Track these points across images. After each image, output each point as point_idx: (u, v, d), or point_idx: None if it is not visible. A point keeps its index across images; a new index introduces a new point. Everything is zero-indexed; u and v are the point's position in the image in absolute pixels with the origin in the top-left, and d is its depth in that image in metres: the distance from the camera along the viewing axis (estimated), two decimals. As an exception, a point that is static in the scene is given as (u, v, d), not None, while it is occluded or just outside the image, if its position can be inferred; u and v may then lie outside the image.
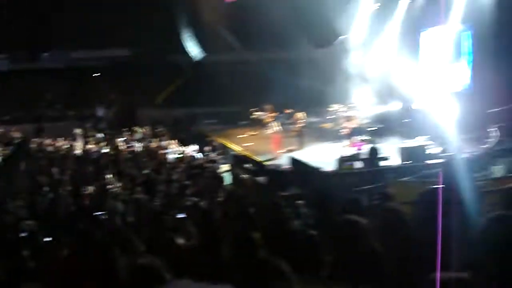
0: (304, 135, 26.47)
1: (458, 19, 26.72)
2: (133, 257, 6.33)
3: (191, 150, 28.60)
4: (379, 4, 30.35)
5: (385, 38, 30.28)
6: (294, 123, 27.68)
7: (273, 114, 32.02)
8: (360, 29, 30.25)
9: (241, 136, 31.52)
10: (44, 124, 37.69)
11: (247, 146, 28.05)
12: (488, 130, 23.54)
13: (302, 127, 26.51)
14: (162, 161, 24.61)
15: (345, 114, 28.38)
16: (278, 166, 22.44)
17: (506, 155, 20.01)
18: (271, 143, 25.32)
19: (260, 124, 32.53)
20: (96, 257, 5.35)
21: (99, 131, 34.25)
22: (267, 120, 31.67)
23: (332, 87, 30.71)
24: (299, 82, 31.21)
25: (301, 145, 25.62)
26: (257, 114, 32.66)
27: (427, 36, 28.75)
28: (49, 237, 9.65)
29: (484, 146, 22.27)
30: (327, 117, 30.03)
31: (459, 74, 26.85)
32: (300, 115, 26.97)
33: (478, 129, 24.82)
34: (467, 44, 26.38)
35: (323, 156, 24.37)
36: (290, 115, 29.64)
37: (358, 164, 21.23)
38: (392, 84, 28.60)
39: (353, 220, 4.62)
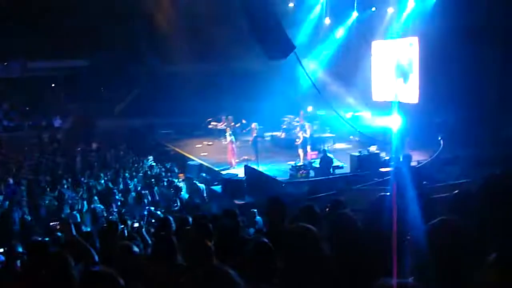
0: (258, 145, 26.49)
1: (406, 32, 27.21)
2: (88, 266, 6.23)
3: (148, 159, 28.40)
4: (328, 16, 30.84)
5: (334, 48, 30.72)
6: (249, 132, 27.75)
7: (228, 124, 32.17)
8: (310, 39, 30.78)
9: (197, 146, 31.41)
10: (0, 134, 37.09)
11: (203, 155, 27.96)
12: (436, 139, 24.03)
13: (257, 136, 26.56)
14: (119, 171, 24.35)
15: (298, 124, 28.56)
16: (233, 175, 22.43)
17: (450, 163, 20.42)
18: (226, 152, 25.30)
19: (215, 134, 32.57)
20: (51, 268, 5.26)
21: (56, 141, 33.77)
22: (223, 130, 31.80)
23: (286, 97, 30.89)
24: (254, 93, 31.27)
25: (256, 155, 25.66)
26: (213, 124, 32.67)
27: (377, 46, 29.13)
28: (3, 247, 9.45)
29: (431, 155, 22.62)
30: (282, 127, 30.16)
31: (408, 85, 27.24)
32: (254, 124, 27.05)
33: (425, 139, 25.31)
34: (414, 55, 26.79)
35: (277, 165, 24.55)
36: (246, 125, 29.73)
37: (312, 173, 21.38)
38: (343, 93, 28.91)
39: (304, 227, 4.60)
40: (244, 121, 29.00)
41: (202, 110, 35.21)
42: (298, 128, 25.94)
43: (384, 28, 28.59)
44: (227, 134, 26.37)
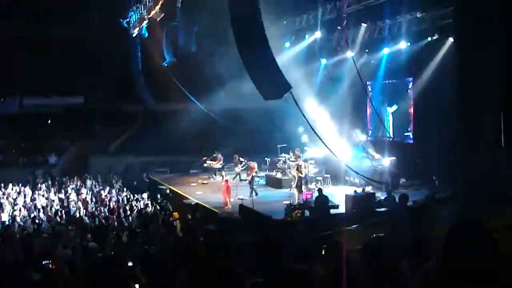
0: (254, 183, 26.63)
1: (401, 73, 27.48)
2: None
3: (144, 197, 28.34)
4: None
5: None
6: (247, 171, 27.97)
7: (221, 163, 32.26)
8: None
9: (192, 184, 31.41)
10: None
11: (198, 194, 27.93)
12: (429, 178, 24.09)
13: (254, 176, 26.77)
14: (113, 208, 24.27)
15: (294, 163, 28.62)
16: (228, 214, 22.38)
17: (446, 202, 20.41)
18: (222, 191, 25.28)
19: (211, 172, 32.60)
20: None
21: (51, 178, 33.71)
22: (219, 168, 31.85)
23: (281, 135, 31.04)
24: (249, 131, 31.41)
25: (253, 194, 25.80)
26: (209, 162, 32.74)
27: (372, 87, 29.38)
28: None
29: (426, 194, 22.62)
30: (277, 166, 30.22)
31: (402, 125, 27.43)
32: (253, 164, 27.37)
33: (419, 177, 25.36)
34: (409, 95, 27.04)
35: (273, 204, 24.51)
36: (243, 163, 29.91)
37: (307, 212, 21.32)
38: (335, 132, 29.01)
39: (301, 269, 4.58)
40: (241, 159, 29.37)
41: (197, 149, 35.36)
42: (294, 167, 26.01)
43: (378, 70, 28.83)
44: (223, 172, 26.65)
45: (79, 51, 37.42)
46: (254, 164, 27.59)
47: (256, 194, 26.06)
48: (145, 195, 29.03)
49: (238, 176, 29.59)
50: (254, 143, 32.25)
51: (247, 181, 27.19)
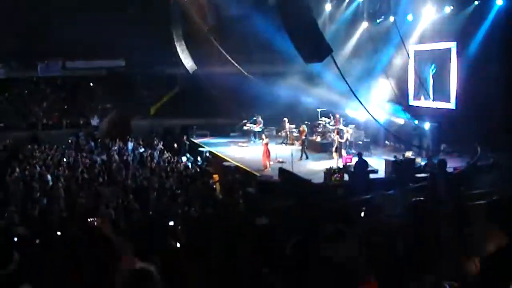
0: (305, 146, 26.96)
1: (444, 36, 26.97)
2: (126, 263, 6.28)
3: (183, 160, 28.60)
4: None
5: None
6: (286, 134, 28.34)
7: (261, 126, 32.35)
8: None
9: (232, 147, 31.60)
10: (39, 132, 37.69)
11: (238, 157, 28.07)
12: (472, 145, 23.76)
13: (305, 139, 27.11)
14: (155, 170, 24.57)
15: (334, 127, 28.54)
16: (268, 177, 22.47)
17: (487, 169, 20.14)
18: (262, 154, 25.38)
19: (251, 135, 32.71)
20: (88, 263, 5.32)
21: (93, 140, 34.21)
22: (259, 132, 31.95)
23: (320, 100, 30.84)
24: (288, 95, 31.28)
25: (303, 156, 26.34)
26: (249, 125, 32.83)
27: (415, 50, 28.90)
28: (41, 242, 9.57)
29: (468, 161, 22.39)
30: (317, 130, 30.18)
31: (445, 90, 27.00)
32: (303, 127, 27.67)
33: (462, 144, 25.03)
34: (452, 60, 26.53)
35: (312, 168, 24.57)
36: (282, 127, 30.09)
37: (346, 177, 21.28)
38: (376, 95, 28.74)
39: (341, 228, 4.61)
40: (288, 124, 29.71)
41: (238, 112, 35.49)
42: (335, 132, 26.00)
43: (421, 32, 28.31)
44: (263, 135, 26.85)
45: (120, 14, 37.63)
46: (304, 127, 27.87)
47: (307, 157, 26.58)
48: (185, 158, 29.32)
49: (286, 140, 30.05)
50: (294, 107, 32.12)
51: (298, 144, 27.97)
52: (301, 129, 27.93)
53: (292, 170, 22.63)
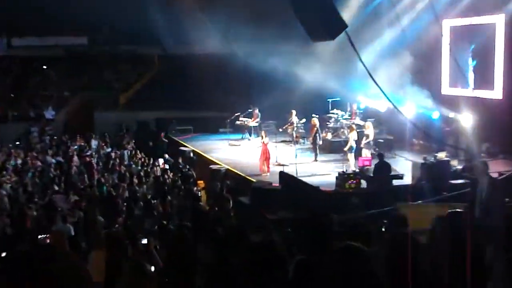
0: (318, 144, 27.06)
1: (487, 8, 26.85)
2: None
3: (161, 162, 28.60)
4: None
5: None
6: (292, 129, 28.56)
7: (258, 120, 32.36)
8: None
9: (221, 146, 31.60)
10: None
11: (229, 158, 28.09)
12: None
13: (318, 134, 27.13)
14: (125, 175, 24.55)
15: (349, 122, 28.55)
16: (266, 183, 22.47)
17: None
18: (259, 155, 25.38)
19: (246, 131, 32.70)
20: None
21: (48, 137, 34.16)
22: (255, 127, 31.96)
23: (333, 87, 30.83)
24: (295, 80, 31.25)
25: (315, 155, 26.67)
26: (243, 120, 32.81)
27: (450, 25, 28.79)
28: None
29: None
30: (327, 125, 30.16)
31: (488, 76, 26.93)
32: (314, 120, 27.55)
33: (510, 143, 25.00)
34: (499, 38, 26.43)
35: (322, 172, 24.67)
36: (289, 121, 30.13)
37: (364, 183, 21.30)
38: (406, 84, 28.64)
39: (355, 247, 4.60)
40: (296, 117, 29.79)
41: (230, 103, 35.48)
42: (350, 127, 26.06)
43: (459, 4, 28.20)
44: (261, 132, 26.93)
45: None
46: (315, 121, 27.66)
47: (316, 158, 27.06)
48: (162, 159, 29.30)
49: (292, 137, 30.10)
50: (300, 96, 32.12)
51: (309, 141, 28.42)
52: (312, 122, 27.73)
53: (296, 174, 22.68)
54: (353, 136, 25.06)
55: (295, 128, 30.41)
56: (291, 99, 31.76)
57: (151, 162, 28.19)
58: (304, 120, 30.68)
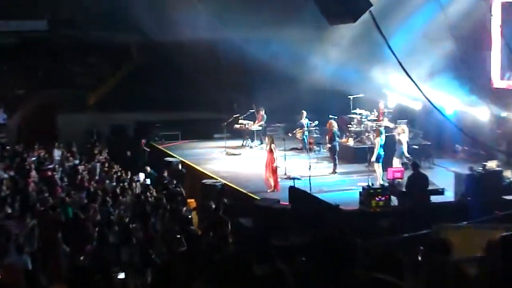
0: (336, 151, 27.06)
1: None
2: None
3: (141, 177, 28.61)
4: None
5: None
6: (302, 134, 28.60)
7: (263, 123, 32.38)
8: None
9: (217, 156, 31.63)
10: None
11: (226, 171, 28.11)
12: None
13: (335, 140, 27.08)
14: (96, 193, 24.54)
15: (375, 124, 28.54)
16: (272, 201, 22.46)
17: None
18: (264, 166, 25.38)
19: (247, 137, 32.72)
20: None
21: (-1, 146, 34.23)
22: (258, 132, 31.97)
23: (355, 81, 30.82)
24: (306, 72, 31.23)
25: (336, 166, 26.76)
26: (243, 123, 32.79)
27: (500, 2, 28.82)
28: None
29: None
30: (348, 128, 30.16)
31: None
32: (331, 123, 27.45)
33: None
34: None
35: (342, 186, 24.78)
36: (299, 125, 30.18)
37: (395, 200, 21.29)
38: (446, 75, 28.60)
39: (384, 280, 4.60)
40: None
41: (225, 102, 35.48)
42: (376, 130, 26.02)
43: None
44: (266, 138, 26.84)
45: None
46: (333, 123, 27.71)
47: (335, 170, 27.12)
48: (143, 173, 29.30)
49: (305, 145, 30.14)
50: (314, 92, 32.12)
51: (326, 148, 28.60)
52: (328, 125, 27.61)
53: (310, 190, 22.70)
54: (380, 141, 25.00)
55: (306, 133, 30.40)
56: (302, 96, 31.80)
57: (129, 176, 28.16)
58: (316, 122, 30.69)
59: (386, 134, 25.74)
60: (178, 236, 18.97)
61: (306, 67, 30.73)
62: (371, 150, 26.25)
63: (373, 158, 25.09)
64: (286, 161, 26.76)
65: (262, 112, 32.54)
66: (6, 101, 41.03)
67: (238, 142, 33.17)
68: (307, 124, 30.51)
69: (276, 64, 31.21)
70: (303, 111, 30.74)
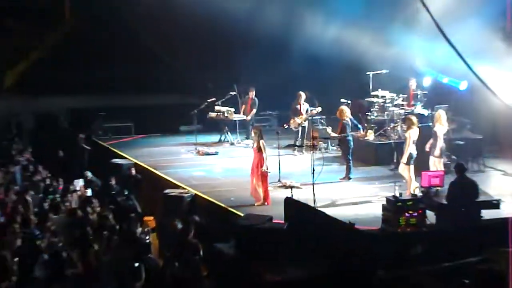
0: (351, 149, 27.02)
1: None
2: None
3: (79, 185, 28.63)
4: None
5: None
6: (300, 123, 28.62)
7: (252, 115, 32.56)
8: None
9: (186, 156, 31.70)
10: None
11: (197, 176, 28.18)
12: None
13: (347, 135, 26.99)
14: (16, 209, 24.60)
15: (404, 110, 28.63)
16: (262, 219, 22.51)
17: None
18: (250, 170, 25.40)
19: (225, 130, 32.82)
20: None
21: None
22: (240, 122, 32.10)
23: (376, 51, 30.93)
24: (304, 39, 31.40)
25: (350, 173, 26.54)
26: (221, 110, 32.88)
27: None
28: None
29: None
30: (366, 117, 30.26)
31: None
32: (343, 109, 27.35)
33: None
34: None
35: (358, 197, 24.88)
36: (294, 111, 30.25)
37: (432, 216, 21.36)
38: (500, 47, 28.82)
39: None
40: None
41: (195, 80, 35.57)
42: (409, 120, 25.93)
43: None
44: (253, 131, 26.70)
45: None
46: (344, 110, 27.64)
47: (349, 176, 27.01)
48: (82, 180, 29.30)
49: (300, 137, 30.27)
50: (317, 66, 32.26)
51: (335, 145, 29.73)
52: (338, 113, 27.49)
53: (315, 203, 22.81)
54: (413, 135, 24.92)
55: (306, 123, 30.43)
56: (300, 72, 31.92)
57: (61, 185, 28.21)
58: (319, 109, 30.70)
59: (420, 125, 25.67)
60: (132, 267, 19.09)
61: (305, 29, 30.83)
62: (398, 146, 26.38)
63: (404, 159, 25.02)
64: (281, 163, 26.86)
65: (253, 94, 32.52)
66: None
67: (214, 137, 33.16)
68: (307, 111, 30.53)
69: (264, 26, 31.30)
70: (301, 92, 30.78)
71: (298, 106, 30.40)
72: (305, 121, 30.56)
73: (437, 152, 25.14)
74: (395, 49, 30.04)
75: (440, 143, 25.26)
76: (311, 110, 30.44)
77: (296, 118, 30.62)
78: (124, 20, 36.81)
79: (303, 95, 30.36)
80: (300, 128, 30.43)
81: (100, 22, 38.61)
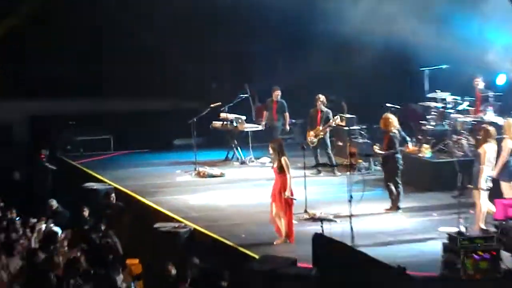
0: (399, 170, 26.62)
1: None
2: None
3: (40, 217, 28.46)
4: None
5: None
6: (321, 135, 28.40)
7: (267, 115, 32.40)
8: None
9: (182, 179, 31.55)
10: None
11: (198, 207, 27.99)
12: None
13: (392, 151, 26.63)
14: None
15: (472, 119, 28.43)
16: (283, 262, 22.29)
17: None
18: (270, 198, 25.16)
19: (234, 143, 32.69)
20: None
21: None
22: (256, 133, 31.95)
23: (431, 42, 30.90)
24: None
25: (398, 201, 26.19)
26: (227, 117, 32.75)
27: None
28: None
29: None
30: (424, 128, 30.08)
31: None
32: (390, 118, 27.06)
33: None
34: None
35: (410, 233, 24.64)
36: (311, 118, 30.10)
37: (509, 258, 21.07)
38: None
39: None
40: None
41: (194, 82, 35.56)
42: (485, 131, 25.54)
43: None
44: (272, 149, 26.27)
45: None
46: (391, 118, 27.12)
47: (398, 205, 26.67)
48: (46, 212, 29.12)
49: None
50: (349, 60, 32.22)
51: (379, 163, 28.99)
52: (382, 122, 27.26)
53: (353, 241, 22.55)
54: (489, 150, 24.41)
55: (322, 135, 30.27)
56: (326, 69, 31.84)
57: (17, 218, 28.03)
58: (337, 119, 30.48)
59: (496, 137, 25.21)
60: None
61: (333, 7, 30.87)
62: (465, 166, 25.99)
63: (481, 183, 24.49)
64: (308, 188, 26.57)
65: (278, 95, 32.36)
66: None
67: (220, 154, 33.02)
68: (326, 120, 30.39)
69: (282, 12, 31.38)
70: (320, 95, 30.60)
71: (316, 114, 30.16)
72: (321, 135, 30.24)
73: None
74: (457, 36, 29.80)
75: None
76: (332, 120, 30.02)
77: (311, 132, 30.41)
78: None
79: (322, 99, 30.03)
80: (316, 141, 30.09)
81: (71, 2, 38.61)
